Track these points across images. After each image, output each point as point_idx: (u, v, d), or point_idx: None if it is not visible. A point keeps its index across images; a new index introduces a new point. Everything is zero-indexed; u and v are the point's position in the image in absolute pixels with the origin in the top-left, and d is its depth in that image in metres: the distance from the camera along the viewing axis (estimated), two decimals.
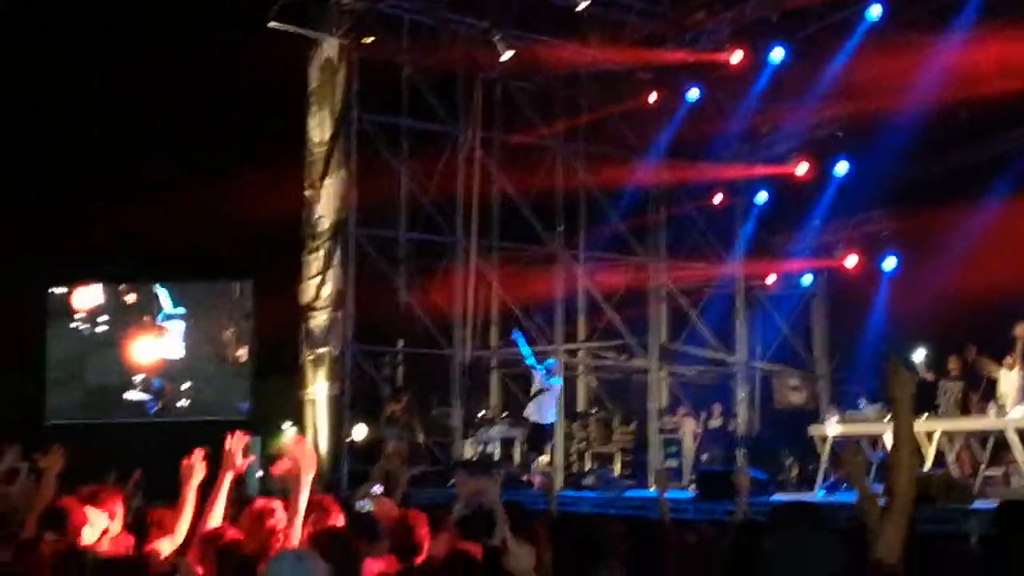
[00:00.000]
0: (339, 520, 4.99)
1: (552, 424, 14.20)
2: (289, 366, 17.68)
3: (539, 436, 14.05)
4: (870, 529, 3.53)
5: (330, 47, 16.64)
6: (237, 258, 18.80)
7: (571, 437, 16.32)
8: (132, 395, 18.02)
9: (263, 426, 18.76)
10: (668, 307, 17.76)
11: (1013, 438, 10.77)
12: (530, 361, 14.21)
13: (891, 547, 3.34)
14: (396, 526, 5.07)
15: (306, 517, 5.23)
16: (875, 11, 12.89)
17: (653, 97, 16.51)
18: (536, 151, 17.37)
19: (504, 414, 16.42)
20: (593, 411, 16.66)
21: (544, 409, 13.84)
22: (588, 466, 15.43)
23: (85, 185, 18.33)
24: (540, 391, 13.76)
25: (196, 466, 5.01)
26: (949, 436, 11.79)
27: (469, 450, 15.51)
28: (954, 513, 8.53)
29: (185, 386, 18.15)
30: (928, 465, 11.10)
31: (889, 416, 11.68)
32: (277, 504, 5.11)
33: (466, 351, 16.44)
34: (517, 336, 14.36)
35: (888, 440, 10.46)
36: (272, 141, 18.61)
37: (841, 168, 15.41)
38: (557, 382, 13.93)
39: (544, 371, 13.83)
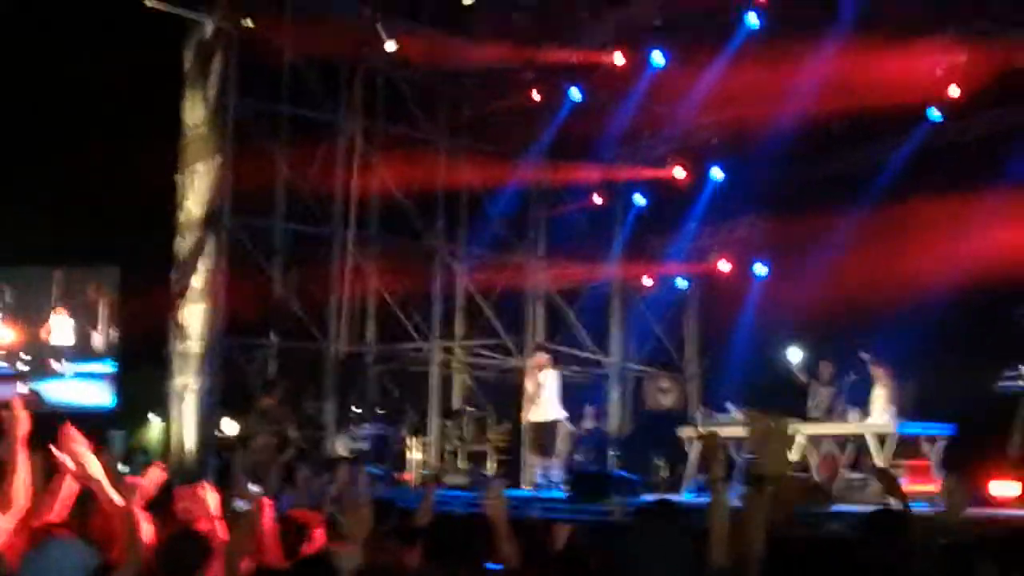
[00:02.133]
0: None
1: (556, 420, 13.31)
2: (156, 357, 17.14)
3: (549, 435, 13.22)
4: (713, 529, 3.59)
5: (207, 28, 16.15)
6: (104, 244, 18.20)
7: (445, 436, 16.23)
8: None
9: (128, 419, 18.19)
10: (545, 307, 17.82)
11: (872, 443, 11.12)
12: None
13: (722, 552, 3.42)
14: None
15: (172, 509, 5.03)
16: (753, 19, 13.13)
17: (536, 96, 16.52)
18: (418, 145, 17.21)
19: (378, 409, 16.23)
20: (468, 409, 16.60)
21: (549, 406, 13.07)
22: (461, 465, 15.36)
23: None
24: (543, 387, 13.02)
25: (18, 417, 4.40)
26: (814, 440, 12.10)
27: (342, 447, 15.27)
28: (814, 516, 8.73)
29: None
30: (791, 469, 11.35)
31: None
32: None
33: (341, 345, 16.18)
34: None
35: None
36: (145, 124, 18.05)
37: (716, 173, 15.70)
38: (552, 376, 13.13)
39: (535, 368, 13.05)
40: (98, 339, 18.08)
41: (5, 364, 17.89)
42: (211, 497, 4.92)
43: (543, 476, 13.33)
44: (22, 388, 15.43)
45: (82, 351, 18.28)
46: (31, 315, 18.41)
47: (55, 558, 3.47)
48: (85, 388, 17.94)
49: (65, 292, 18.45)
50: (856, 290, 12.55)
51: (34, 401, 14.38)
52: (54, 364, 18.06)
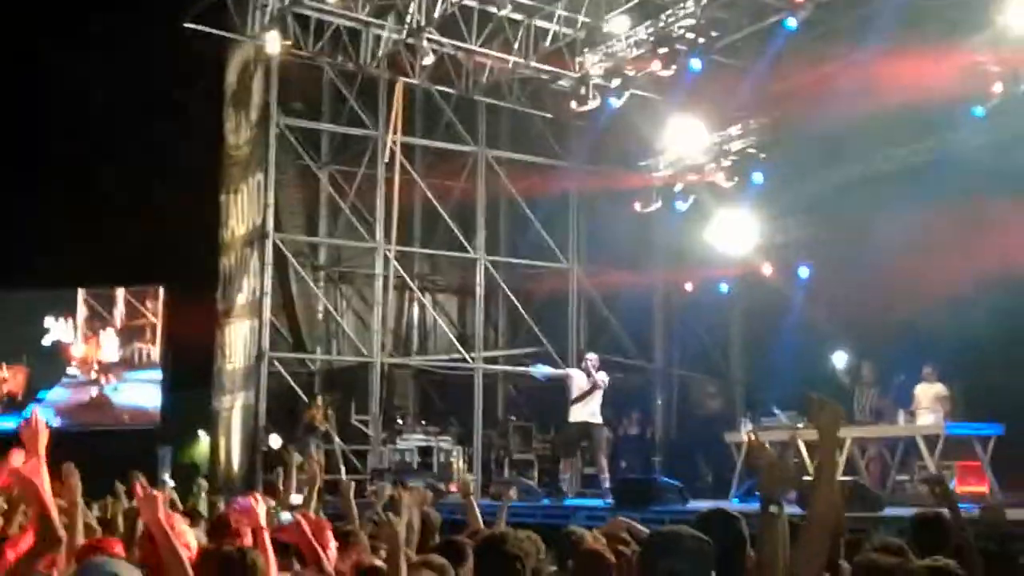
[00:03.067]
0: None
1: (601, 424, 12.95)
2: (203, 374, 17.35)
3: (596, 437, 12.78)
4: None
5: (248, 49, 16.39)
6: (150, 263, 18.45)
7: (490, 445, 16.25)
8: None
9: (176, 435, 18.42)
10: (587, 314, 17.81)
11: (921, 445, 10.99)
12: (560, 370, 13.22)
13: (806, 564, 3.32)
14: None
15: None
16: (792, 22, 13.05)
17: (574, 105, 16.52)
18: (458, 157, 17.30)
19: (423, 422, 16.29)
20: (512, 419, 16.62)
21: (593, 409, 12.59)
22: (506, 474, 15.36)
23: None
24: (590, 390, 12.53)
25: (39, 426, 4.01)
26: (860, 443, 11.98)
27: (386, 458, 15.34)
28: (865, 521, 8.61)
29: None
30: (840, 473, 11.22)
31: (801, 424, 11.88)
32: (182, 520, 4.98)
33: (385, 358, 16.27)
34: (539, 371, 13.43)
35: (801, 444, 10.59)
36: (189, 145, 18.31)
37: (757, 177, 15.60)
38: (604, 377, 12.69)
39: (589, 367, 12.59)
40: (145, 353, 18.39)
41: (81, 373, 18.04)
42: (262, 507, 4.98)
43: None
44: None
45: (130, 365, 18.59)
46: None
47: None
48: (138, 391, 18.11)
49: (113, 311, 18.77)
50: (901, 291, 12.41)
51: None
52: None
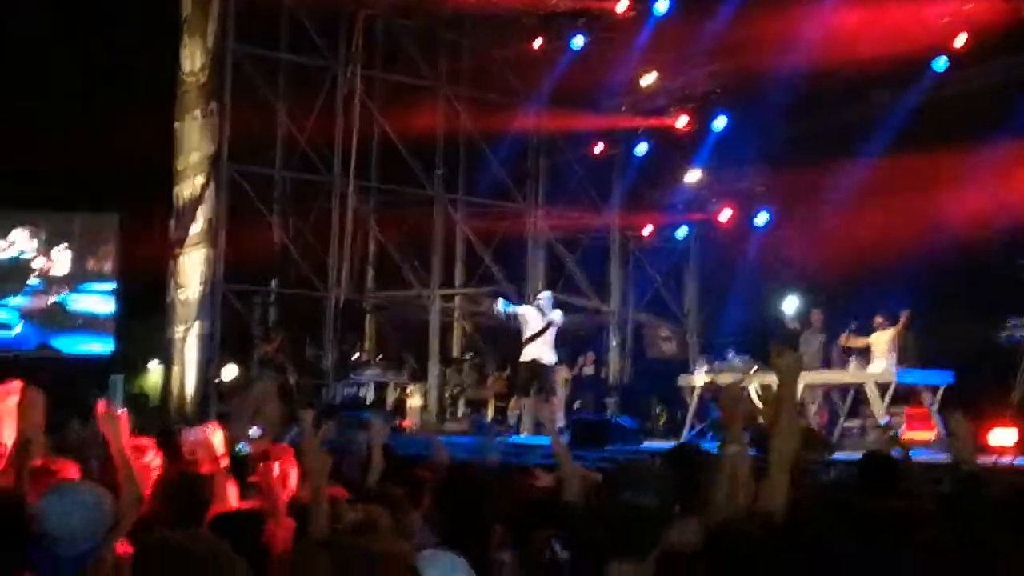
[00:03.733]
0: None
1: (556, 362, 12.94)
2: (156, 304, 17.16)
3: (548, 378, 12.75)
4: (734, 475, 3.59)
5: None
6: (102, 190, 18.14)
7: (445, 382, 16.31)
8: None
9: (129, 365, 18.26)
10: (546, 255, 17.83)
11: (872, 391, 11.18)
12: (516, 307, 13.06)
13: (769, 497, 3.40)
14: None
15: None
16: None
17: (538, 43, 16.39)
18: (418, 92, 17.10)
19: (378, 356, 16.29)
20: (468, 356, 16.67)
21: (547, 347, 12.51)
22: (461, 412, 15.45)
23: None
24: (544, 329, 12.46)
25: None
26: (810, 388, 12.17)
27: (340, 393, 15.36)
28: (814, 464, 8.77)
29: None
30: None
31: (755, 368, 12.03)
32: (148, 442, 4.96)
33: (340, 293, 16.20)
34: (505, 305, 13.12)
35: (753, 391, 10.73)
36: (142, 70, 17.91)
37: (719, 123, 15.62)
38: (558, 315, 12.65)
39: (540, 307, 12.56)
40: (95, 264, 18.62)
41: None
42: (217, 437, 4.95)
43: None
44: None
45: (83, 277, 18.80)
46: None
47: (79, 502, 3.47)
48: (91, 301, 18.62)
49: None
50: (857, 241, 12.57)
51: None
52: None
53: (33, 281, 18.48)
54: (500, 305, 12.95)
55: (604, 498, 3.63)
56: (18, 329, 18.18)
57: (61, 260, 18.65)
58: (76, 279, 18.68)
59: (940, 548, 3.01)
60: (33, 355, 17.31)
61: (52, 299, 18.50)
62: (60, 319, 18.50)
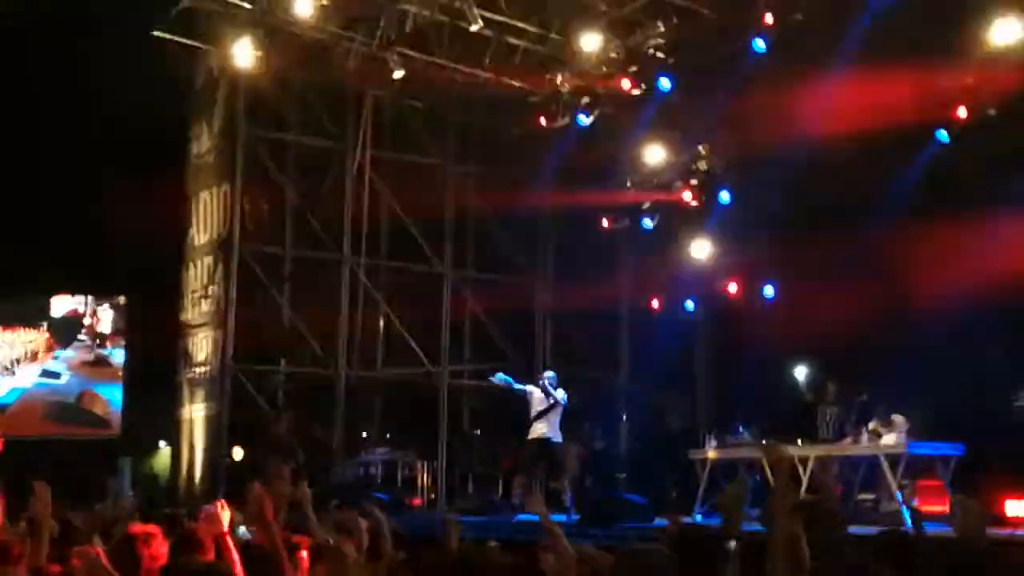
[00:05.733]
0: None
1: (561, 441, 12.90)
2: (165, 384, 17.18)
3: (556, 456, 12.82)
4: None
5: (215, 57, 16.27)
6: (112, 272, 18.26)
7: (454, 460, 16.19)
8: None
9: (136, 446, 18.22)
10: (554, 330, 17.83)
11: (884, 463, 11.08)
12: (523, 385, 13.07)
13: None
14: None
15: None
16: (761, 44, 13.18)
17: (544, 121, 16.58)
18: (426, 171, 17.29)
19: (387, 436, 16.22)
20: (477, 433, 16.58)
21: (553, 426, 12.57)
22: (470, 488, 15.33)
23: None
24: (550, 407, 12.55)
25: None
26: (823, 462, 12.06)
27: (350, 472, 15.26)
28: (833, 540, 8.65)
29: None
30: (803, 492, 11.30)
31: (765, 443, 11.94)
32: (156, 530, 4.94)
33: (350, 371, 16.19)
34: (501, 379, 13.19)
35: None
36: (153, 151, 18.15)
37: (723, 197, 15.72)
38: (562, 394, 12.67)
39: (547, 386, 12.59)
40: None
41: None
42: (226, 515, 4.99)
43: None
44: None
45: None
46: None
47: None
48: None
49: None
50: (865, 311, 12.54)
51: None
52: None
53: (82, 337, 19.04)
54: (496, 378, 12.98)
55: None
56: (65, 379, 18.69)
57: (106, 318, 19.09)
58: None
59: None
60: (44, 439, 17.30)
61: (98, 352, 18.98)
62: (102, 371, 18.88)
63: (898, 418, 11.31)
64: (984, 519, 5.25)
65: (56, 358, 18.66)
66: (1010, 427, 10.73)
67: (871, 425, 11.53)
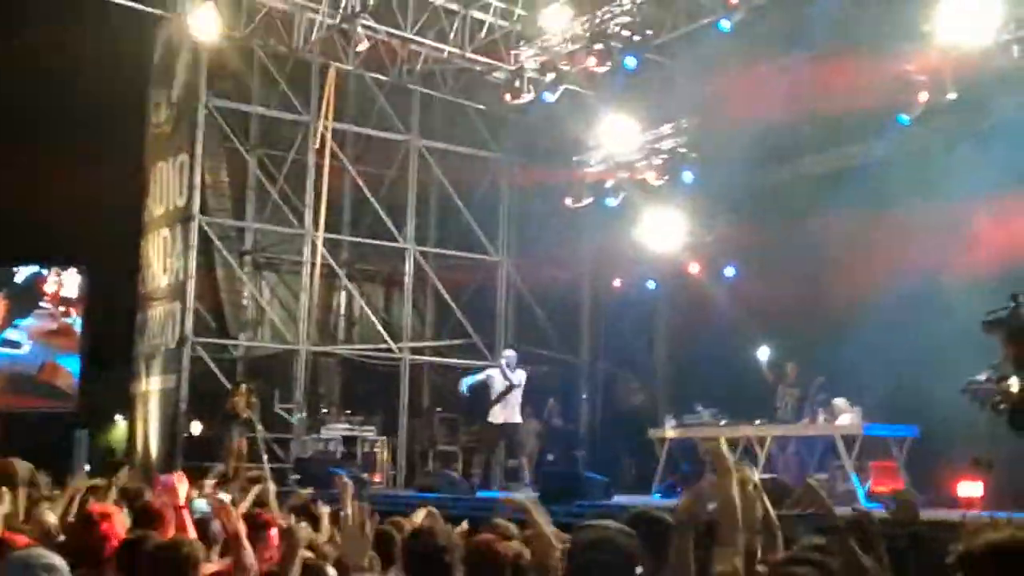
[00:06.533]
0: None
1: (520, 423, 13.03)
2: (122, 358, 17.01)
3: (515, 435, 13.00)
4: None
5: (173, 26, 16.04)
6: (69, 243, 18.04)
7: (414, 436, 16.19)
8: None
9: (93, 419, 18.04)
10: (515, 307, 17.84)
11: (840, 444, 11.21)
12: (478, 375, 13.18)
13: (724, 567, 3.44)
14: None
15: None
16: (726, 24, 13.19)
17: (508, 98, 16.51)
18: (390, 145, 17.18)
19: (347, 411, 16.17)
20: (437, 410, 16.58)
21: (512, 407, 12.71)
22: (430, 466, 15.33)
23: None
24: (508, 389, 12.66)
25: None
26: (780, 442, 12.19)
27: (310, 448, 15.20)
28: (780, 519, 8.74)
29: None
30: (759, 471, 11.40)
31: (724, 422, 12.05)
32: (114, 510, 4.88)
33: (310, 346, 16.11)
34: (467, 385, 13.13)
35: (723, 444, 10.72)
36: (112, 120, 17.91)
37: (687, 176, 15.74)
38: (521, 376, 12.76)
39: (504, 367, 12.74)
40: None
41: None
42: (183, 487, 4.98)
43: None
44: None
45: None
46: None
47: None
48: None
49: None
50: (825, 292, 12.64)
51: None
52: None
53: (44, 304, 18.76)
54: (463, 387, 13.07)
55: (571, 558, 3.64)
56: (26, 348, 18.43)
57: (70, 283, 18.74)
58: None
59: None
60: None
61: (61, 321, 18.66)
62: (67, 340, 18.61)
63: (839, 401, 11.48)
64: (916, 515, 5.35)
65: (15, 326, 18.44)
66: (963, 409, 10.87)
67: (829, 406, 11.67)
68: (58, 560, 3.46)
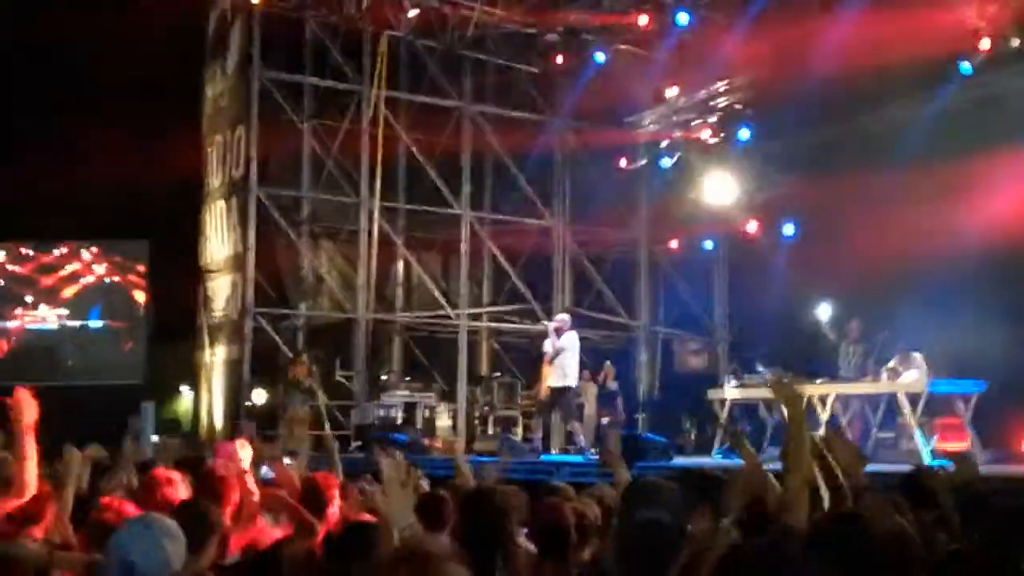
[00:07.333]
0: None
1: (568, 387, 12.64)
2: (185, 329, 17.28)
3: (567, 399, 12.68)
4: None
5: None
6: (132, 217, 18.30)
7: (474, 401, 16.27)
8: None
9: (158, 391, 18.38)
10: (572, 271, 17.79)
11: (903, 402, 11.04)
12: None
13: (791, 513, 3.42)
14: (306, 490, 4.95)
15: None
16: None
17: (560, 60, 16.40)
18: (443, 112, 17.15)
19: (407, 378, 16.29)
20: (496, 375, 16.63)
21: (561, 370, 12.41)
22: (490, 431, 15.40)
23: None
24: (558, 353, 12.39)
25: (25, 404, 4.52)
26: (844, 399, 12.04)
27: (371, 415, 15.35)
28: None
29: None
30: (822, 429, 11.29)
31: (786, 380, 11.89)
32: (176, 475, 4.94)
33: (369, 314, 16.23)
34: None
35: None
36: (170, 95, 18.09)
37: (743, 134, 15.53)
38: (568, 339, 12.49)
39: (552, 331, 12.53)
40: None
41: None
42: (246, 453, 5.03)
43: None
44: None
45: None
46: None
47: (163, 532, 3.44)
48: None
49: None
50: (888, 249, 12.41)
51: None
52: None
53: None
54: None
55: (621, 512, 3.65)
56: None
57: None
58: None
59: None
60: (69, 383, 17.46)
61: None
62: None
63: (917, 356, 11.25)
64: (975, 471, 5.29)
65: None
66: None
67: (891, 363, 11.48)
68: (174, 526, 3.51)
